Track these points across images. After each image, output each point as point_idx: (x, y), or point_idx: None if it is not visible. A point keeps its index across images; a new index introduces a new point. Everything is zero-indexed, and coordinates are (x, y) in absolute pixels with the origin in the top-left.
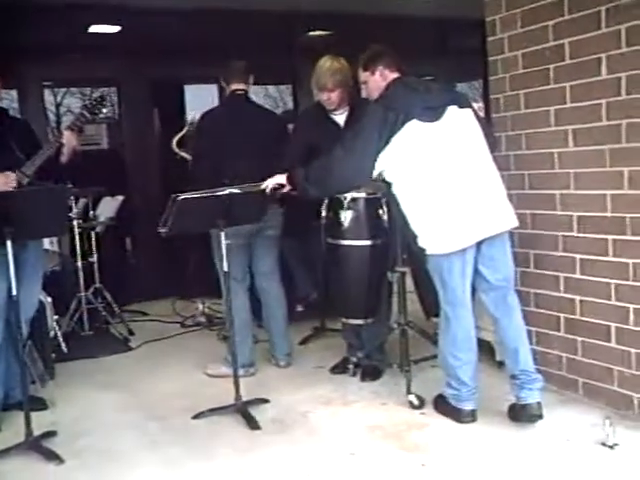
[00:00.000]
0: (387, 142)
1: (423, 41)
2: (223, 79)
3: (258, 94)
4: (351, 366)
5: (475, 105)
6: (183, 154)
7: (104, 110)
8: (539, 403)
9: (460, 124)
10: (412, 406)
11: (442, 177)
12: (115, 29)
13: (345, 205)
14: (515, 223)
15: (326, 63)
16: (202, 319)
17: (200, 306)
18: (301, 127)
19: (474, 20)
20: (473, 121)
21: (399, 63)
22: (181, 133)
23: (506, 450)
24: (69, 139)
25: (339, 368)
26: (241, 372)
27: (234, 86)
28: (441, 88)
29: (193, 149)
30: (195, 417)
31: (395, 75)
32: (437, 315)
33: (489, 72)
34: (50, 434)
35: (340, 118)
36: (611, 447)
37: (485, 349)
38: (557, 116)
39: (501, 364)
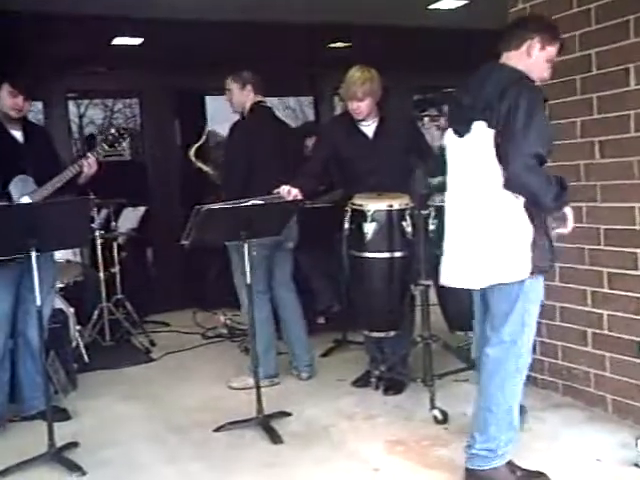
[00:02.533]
0: None
1: (447, 52)
2: (252, 86)
3: (277, 106)
4: (373, 379)
5: None
6: (200, 165)
7: (123, 144)
8: (470, 471)
9: (476, 147)
10: (436, 421)
11: (448, 200)
12: (138, 41)
13: (369, 217)
14: (485, 284)
15: (356, 72)
16: (223, 330)
17: (221, 317)
18: (328, 135)
19: (498, 31)
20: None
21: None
22: (199, 143)
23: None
24: (92, 165)
25: (361, 381)
26: (266, 382)
27: (259, 97)
28: (476, 97)
29: (227, 160)
30: (216, 430)
31: None
32: (461, 329)
33: None
34: (72, 445)
35: (369, 129)
36: None
37: None
38: (583, 127)
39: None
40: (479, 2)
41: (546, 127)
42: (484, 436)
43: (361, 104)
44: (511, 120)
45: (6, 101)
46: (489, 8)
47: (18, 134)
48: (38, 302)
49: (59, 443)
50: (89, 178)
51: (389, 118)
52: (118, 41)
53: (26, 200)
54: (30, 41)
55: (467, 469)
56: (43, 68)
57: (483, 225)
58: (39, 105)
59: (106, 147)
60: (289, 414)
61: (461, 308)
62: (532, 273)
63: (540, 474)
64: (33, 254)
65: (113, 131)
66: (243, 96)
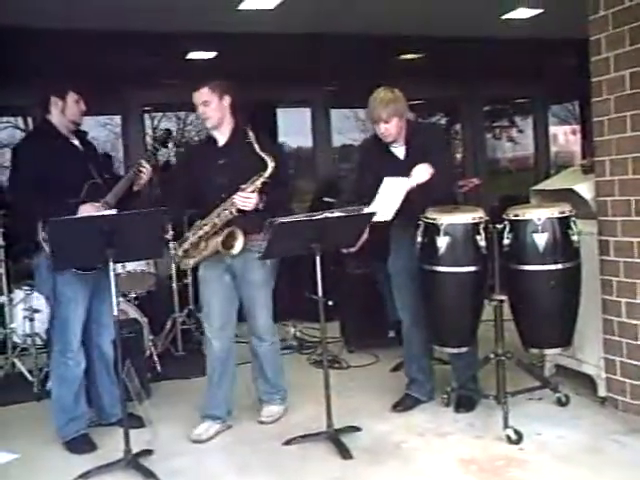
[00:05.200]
0: None
1: (519, 63)
2: (230, 99)
3: (349, 118)
4: (445, 396)
5: (568, 127)
6: None
7: (170, 144)
8: None
9: None
10: (509, 441)
11: None
12: (211, 55)
13: (442, 231)
14: None
15: (379, 94)
16: (293, 342)
17: (291, 329)
18: (361, 158)
19: (571, 40)
20: None
21: None
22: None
23: None
24: (149, 171)
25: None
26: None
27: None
28: None
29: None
30: (286, 443)
31: None
32: (535, 346)
33: (592, 94)
34: (147, 452)
35: (399, 150)
36: None
37: (587, 384)
38: None
39: (604, 400)
40: (554, 10)
41: None
42: None
43: (388, 126)
44: None
45: (74, 110)
46: (565, 16)
47: (76, 142)
48: (115, 312)
49: (134, 450)
50: (144, 186)
51: (416, 138)
52: (192, 55)
53: (104, 209)
54: (110, 57)
55: None
56: (121, 83)
57: None
58: (117, 119)
59: (159, 147)
60: (359, 429)
61: (536, 325)
62: None
63: None
64: (111, 265)
65: (159, 134)
66: (223, 109)
